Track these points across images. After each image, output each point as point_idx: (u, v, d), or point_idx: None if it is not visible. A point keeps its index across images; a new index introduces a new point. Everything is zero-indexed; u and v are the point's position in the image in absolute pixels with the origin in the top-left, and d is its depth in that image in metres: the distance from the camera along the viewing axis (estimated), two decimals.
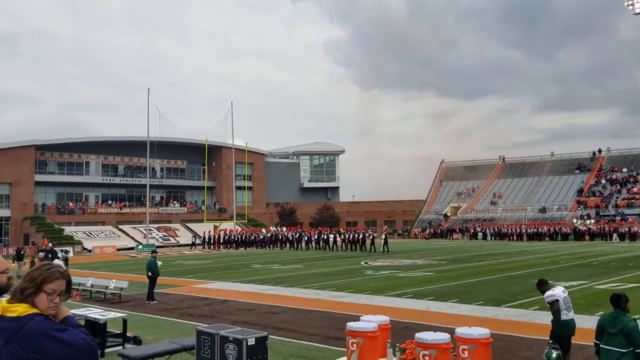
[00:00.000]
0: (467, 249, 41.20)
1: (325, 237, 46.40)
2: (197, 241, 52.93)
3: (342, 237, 45.18)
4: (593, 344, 6.79)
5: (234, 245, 50.58)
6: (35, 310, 2.68)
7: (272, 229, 56.07)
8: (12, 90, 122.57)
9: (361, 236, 42.74)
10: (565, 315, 8.09)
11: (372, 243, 41.08)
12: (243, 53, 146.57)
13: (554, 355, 7.66)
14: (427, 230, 64.92)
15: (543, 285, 8.40)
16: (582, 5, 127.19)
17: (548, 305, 8.30)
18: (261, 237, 51.88)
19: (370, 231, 44.72)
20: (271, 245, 50.34)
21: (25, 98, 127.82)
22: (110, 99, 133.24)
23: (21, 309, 2.66)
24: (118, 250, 49.19)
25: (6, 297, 2.85)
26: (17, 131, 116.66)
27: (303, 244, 47.14)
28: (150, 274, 17.23)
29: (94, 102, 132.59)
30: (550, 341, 8.01)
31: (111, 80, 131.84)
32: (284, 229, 54.73)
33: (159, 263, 18.51)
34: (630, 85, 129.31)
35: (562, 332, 8.02)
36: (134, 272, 26.58)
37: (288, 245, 49.20)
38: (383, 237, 41.95)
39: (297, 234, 49.09)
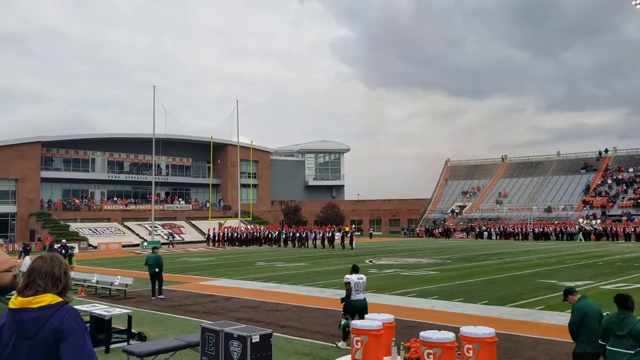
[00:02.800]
0: (472, 248, 41.11)
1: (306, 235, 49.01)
2: (177, 238, 54.28)
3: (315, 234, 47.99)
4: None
5: (236, 242, 50.65)
6: (61, 299, 2.71)
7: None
8: (22, 88, 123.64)
9: (330, 234, 45.69)
10: (354, 296, 10.53)
11: (351, 239, 43.37)
12: (250, 52, 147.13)
13: (343, 322, 10.31)
14: (438, 229, 64.39)
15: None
16: (588, 6, 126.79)
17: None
18: (267, 234, 52.01)
19: (351, 228, 47.89)
20: (273, 243, 50.40)
21: (34, 95, 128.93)
22: (118, 96, 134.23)
23: (47, 299, 2.67)
24: (123, 246, 49.37)
25: (14, 294, 2.85)
26: (27, 128, 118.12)
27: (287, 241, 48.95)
28: (157, 269, 17.24)
29: (102, 100, 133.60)
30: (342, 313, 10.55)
31: (119, 78, 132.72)
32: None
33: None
34: (636, 85, 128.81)
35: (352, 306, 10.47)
36: (139, 268, 26.63)
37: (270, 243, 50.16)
38: (349, 235, 44.13)
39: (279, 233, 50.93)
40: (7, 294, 3.25)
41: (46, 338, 2.59)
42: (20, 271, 8.06)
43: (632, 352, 6.07)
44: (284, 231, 51.32)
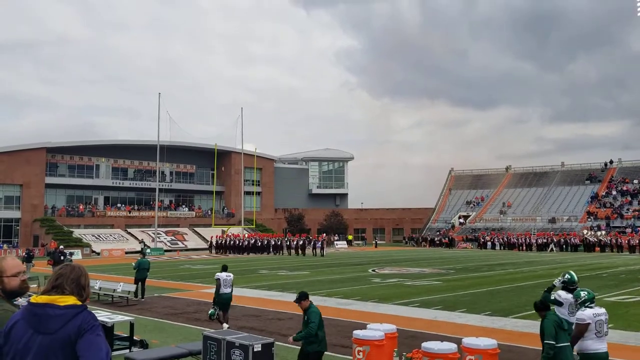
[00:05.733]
0: (476, 258, 40.97)
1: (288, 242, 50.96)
2: (180, 245, 54.91)
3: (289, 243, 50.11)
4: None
5: (235, 250, 50.63)
6: (81, 303, 2.86)
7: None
8: (31, 94, 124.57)
9: (302, 242, 48.21)
10: (222, 290, 12.83)
11: (322, 248, 46.19)
12: (256, 59, 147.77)
13: (210, 311, 12.73)
14: (441, 239, 64.11)
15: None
16: (593, 18, 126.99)
17: None
18: (272, 242, 52.12)
19: (321, 237, 51.78)
20: (276, 251, 50.47)
21: (42, 101, 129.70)
22: (126, 102, 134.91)
23: (71, 300, 2.81)
24: (126, 253, 49.37)
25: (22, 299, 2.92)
26: (34, 134, 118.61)
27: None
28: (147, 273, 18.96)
29: (110, 106, 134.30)
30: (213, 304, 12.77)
31: (127, 84, 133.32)
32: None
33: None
34: None
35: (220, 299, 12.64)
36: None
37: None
38: (319, 244, 46.60)
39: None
40: (15, 298, 3.29)
41: (68, 335, 2.71)
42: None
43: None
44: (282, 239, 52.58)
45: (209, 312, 12.88)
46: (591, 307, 6.97)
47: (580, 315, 6.90)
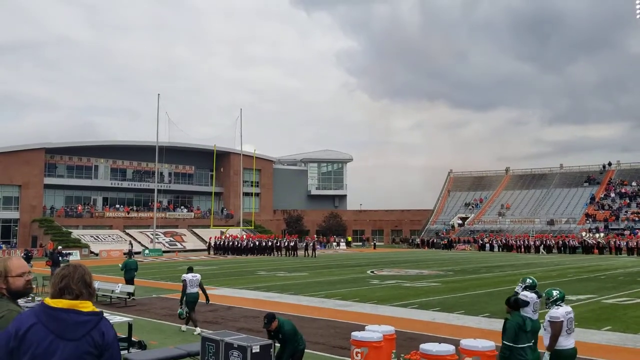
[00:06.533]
0: (474, 260, 41.00)
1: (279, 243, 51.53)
2: (179, 246, 55.21)
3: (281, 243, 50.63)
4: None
5: (230, 251, 50.59)
6: (98, 309, 2.89)
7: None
8: (32, 94, 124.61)
9: (293, 244, 49.29)
10: (189, 290, 13.42)
11: (314, 249, 47.19)
12: (257, 60, 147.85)
13: (179, 311, 13.43)
14: (440, 241, 64.29)
15: None
16: (593, 21, 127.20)
17: None
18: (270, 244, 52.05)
19: (311, 238, 53.06)
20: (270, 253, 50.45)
21: (43, 102, 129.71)
22: (127, 103, 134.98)
23: (91, 306, 2.84)
24: (124, 254, 49.25)
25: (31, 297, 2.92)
26: (34, 135, 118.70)
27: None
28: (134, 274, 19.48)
29: (111, 107, 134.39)
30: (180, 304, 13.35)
31: (128, 85, 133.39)
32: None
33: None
34: None
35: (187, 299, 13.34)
36: (140, 276, 26.58)
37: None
38: (311, 244, 47.57)
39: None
40: (19, 299, 3.29)
41: (93, 342, 2.74)
42: None
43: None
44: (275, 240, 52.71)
45: (178, 311, 13.55)
46: (561, 306, 7.38)
47: (554, 313, 7.28)
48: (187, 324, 13.21)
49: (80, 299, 2.81)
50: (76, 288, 2.82)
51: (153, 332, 12.94)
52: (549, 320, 7.28)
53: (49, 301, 2.81)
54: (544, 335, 7.38)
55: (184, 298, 13.29)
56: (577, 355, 8.31)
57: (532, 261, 39.53)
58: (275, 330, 7.95)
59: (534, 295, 8.28)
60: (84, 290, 2.85)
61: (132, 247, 47.01)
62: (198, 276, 13.76)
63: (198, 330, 12.47)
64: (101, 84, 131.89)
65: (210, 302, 14.69)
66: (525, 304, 7.98)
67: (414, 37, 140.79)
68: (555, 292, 7.53)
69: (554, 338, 7.17)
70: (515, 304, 7.28)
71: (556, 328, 7.18)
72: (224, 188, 72.48)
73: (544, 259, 42.10)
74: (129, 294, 17.59)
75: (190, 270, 13.95)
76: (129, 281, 19.15)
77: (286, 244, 49.80)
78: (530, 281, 8.79)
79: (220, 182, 71.19)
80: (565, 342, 7.22)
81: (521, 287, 8.76)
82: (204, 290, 13.78)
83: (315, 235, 59.46)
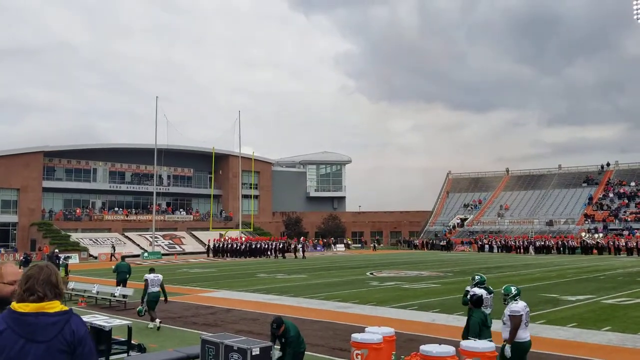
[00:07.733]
0: (473, 261, 40.99)
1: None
2: (178, 249, 55.29)
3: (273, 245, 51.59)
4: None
5: (233, 254, 50.53)
6: (66, 307, 2.88)
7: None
8: (32, 98, 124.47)
9: (281, 245, 50.99)
10: (150, 289, 14.03)
11: (303, 251, 49.11)
12: (256, 63, 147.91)
13: (139, 309, 14.18)
14: (440, 242, 64.36)
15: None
16: (591, 22, 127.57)
17: None
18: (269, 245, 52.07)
19: (302, 240, 54.71)
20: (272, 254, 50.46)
21: (43, 106, 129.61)
22: (126, 107, 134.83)
23: (59, 306, 2.84)
24: (123, 257, 49.18)
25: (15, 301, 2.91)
26: (33, 138, 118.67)
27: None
28: (128, 276, 19.76)
29: (110, 110, 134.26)
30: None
31: (127, 88, 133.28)
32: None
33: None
34: (638, 100, 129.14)
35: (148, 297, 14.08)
36: (139, 279, 26.60)
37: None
38: (300, 246, 49.24)
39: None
40: (5, 306, 3.28)
41: (64, 341, 2.76)
42: None
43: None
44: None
45: (137, 309, 14.40)
46: (517, 301, 7.88)
47: (515, 307, 7.73)
48: (152, 321, 13.92)
49: (45, 301, 2.80)
50: (40, 290, 2.81)
51: (153, 335, 12.92)
52: (509, 315, 7.68)
53: (16, 306, 2.80)
54: (503, 329, 7.80)
55: (145, 297, 14.02)
56: (579, 356, 8.38)
57: (531, 262, 39.53)
58: (280, 334, 7.97)
59: (483, 291, 8.81)
60: (49, 291, 2.83)
61: (114, 250, 47.63)
62: (160, 276, 14.56)
63: (151, 324, 13.71)
64: (101, 87, 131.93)
65: (169, 301, 15.13)
66: (480, 301, 8.44)
67: (412, 40, 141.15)
68: (513, 289, 8.03)
69: (514, 331, 7.56)
70: (477, 302, 7.80)
71: (516, 321, 7.59)
72: (223, 190, 72.43)
73: (543, 260, 42.09)
74: (124, 296, 17.61)
75: (152, 270, 14.78)
76: (122, 283, 19.30)
77: (274, 245, 50.77)
78: (479, 277, 9.38)
79: (219, 185, 71.13)
80: (524, 335, 7.66)
81: (472, 284, 9.24)
82: (163, 290, 14.45)
83: (303, 237, 59.73)
